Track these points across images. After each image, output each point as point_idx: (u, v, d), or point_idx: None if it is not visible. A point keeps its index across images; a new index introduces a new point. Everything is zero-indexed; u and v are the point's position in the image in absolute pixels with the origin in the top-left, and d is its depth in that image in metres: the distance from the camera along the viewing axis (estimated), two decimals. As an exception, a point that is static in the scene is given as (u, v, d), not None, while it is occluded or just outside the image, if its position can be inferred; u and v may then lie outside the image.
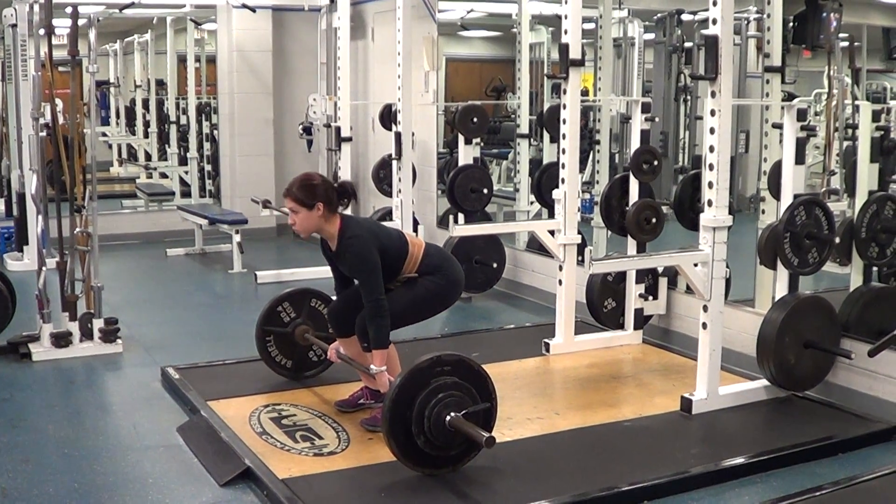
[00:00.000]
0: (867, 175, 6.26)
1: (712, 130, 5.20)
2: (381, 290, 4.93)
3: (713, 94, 5.17)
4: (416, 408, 4.39)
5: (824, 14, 6.94)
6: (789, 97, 6.92)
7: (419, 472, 4.53)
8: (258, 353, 5.90)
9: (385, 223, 7.53)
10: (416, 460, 4.50)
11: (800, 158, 5.54)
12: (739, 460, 4.80)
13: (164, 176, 13.69)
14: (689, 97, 9.89)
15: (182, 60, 13.00)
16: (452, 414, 4.40)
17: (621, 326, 6.87)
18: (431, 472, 4.54)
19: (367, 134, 11.18)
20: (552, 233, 6.60)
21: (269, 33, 11.67)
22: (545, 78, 10.42)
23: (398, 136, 8.53)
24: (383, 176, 9.75)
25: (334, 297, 5.48)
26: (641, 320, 6.84)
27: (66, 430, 5.32)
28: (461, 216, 8.30)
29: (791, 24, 7.08)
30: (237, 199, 11.51)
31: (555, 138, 8.34)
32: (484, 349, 6.51)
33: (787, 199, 5.54)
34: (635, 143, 6.66)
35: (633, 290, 6.75)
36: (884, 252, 6.13)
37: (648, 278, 6.83)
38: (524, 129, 9.76)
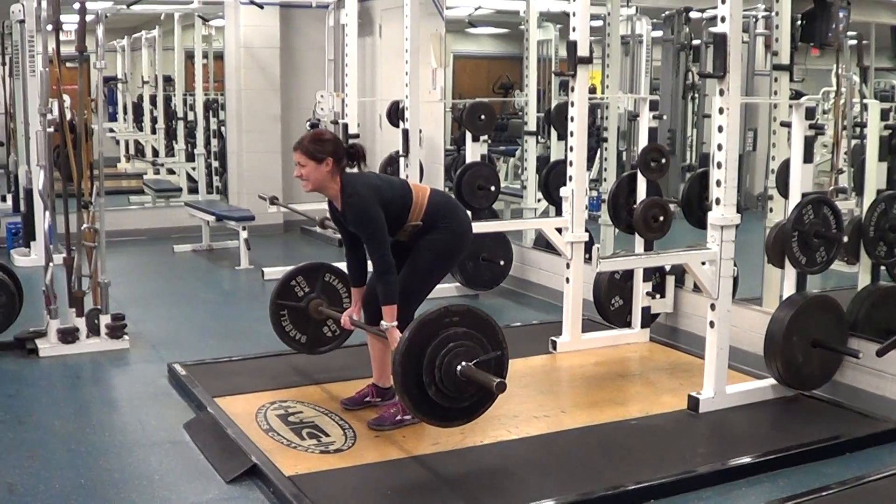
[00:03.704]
0: (875, 173, 6.26)
1: (720, 129, 5.19)
2: (387, 246, 4.90)
3: (721, 93, 5.15)
4: (426, 358, 4.39)
5: (832, 12, 6.93)
6: (797, 95, 6.91)
7: (433, 424, 4.58)
8: (272, 328, 5.87)
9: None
10: (428, 412, 4.50)
11: (808, 157, 5.53)
12: (746, 459, 4.79)
13: (171, 172, 13.71)
14: (696, 95, 9.89)
15: (190, 57, 13.02)
16: (463, 363, 4.40)
17: (628, 325, 6.86)
18: (444, 424, 4.59)
19: (374, 131, 11.18)
20: (560, 230, 6.60)
21: (277, 30, 11.69)
22: (553, 75, 10.44)
23: (405, 132, 8.52)
24: (390, 173, 9.74)
25: (346, 266, 5.43)
26: (649, 318, 6.83)
27: (72, 426, 5.32)
28: (468, 213, 8.30)
29: (799, 22, 7.07)
30: (244, 196, 11.53)
31: (562, 136, 8.31)
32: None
33: (795, 198, 5.52)
34: (643, 140, 6.65)
35: (641, 288, 6.74)
36: (892, 251, 6.12)
37: (656, 276, 6.82)
38: (532, 126, 9.76)
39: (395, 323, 4.90)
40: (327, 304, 5.84)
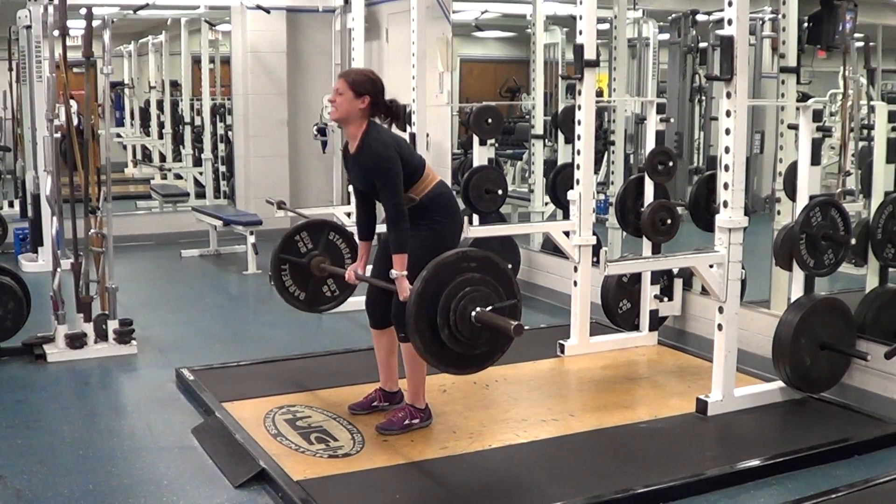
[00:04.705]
0: (883, 176, 6.24)
1: (728, 131, 5.19)
2: (401, 194, 4.86)
3: (728, 95, 5.15)
4: (441, 300, 4.38)
5: (839, 14, 6.92)
6: (804, 97, 6.90)
7: (443, 370, 4.56)
8: (273, 282, 5.85)
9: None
10: (439, 357, 4.48)
11: (815, 159, 5.52)
12: (755, 462, 4.78)
13: (178, 177, 13.74)
14: (703, 98, 9.86)
15: (196, 61, 13.05)
16: (478, 309, 4.39)
17: (636, 328, 6.85)
18: (455, 371, 4.59)
19: (381, 135, 11.15)
20: (567, 234, 6.59)
21: (284, 34, 11.69)
22: (560, 79, 10.42)
23: (412, 136, 8.52)
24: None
25: (355, 224, 5.39)
26: (656, 322, 6.82)
27: (80, 432, 5.33)
28: (476, 217, 8.29)
29: (806, 24, 7.06)
30: (252, 201, 11.52)
31: (569, 139, 8.31)
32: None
33: (802, 200, 5.52)
34: (650, 143, 6.65)
35: (649, 291, 6.73)
36: (900, 253, 6.11)
37: (664, 279, 6.81)
38: (539, 129, 9.75)
39: (405, 272, 4.80)
40: (329, 262, 5.81)
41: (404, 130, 8.77)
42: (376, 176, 4.88)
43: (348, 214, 8.35)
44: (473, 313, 4.39)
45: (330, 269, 5.77)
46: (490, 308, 4.42)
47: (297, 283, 5.85)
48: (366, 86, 4.95)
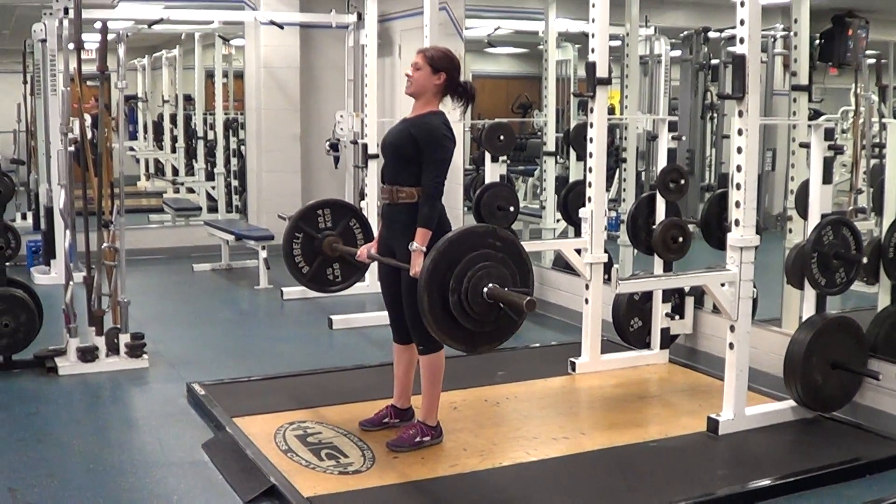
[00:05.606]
0: (895, 194, 6.23)
1: (739, 150, 5.18)
2: (445, 175, 4.90)
3: (740, 114, 5.15)
4: (459, 266, 4.36)
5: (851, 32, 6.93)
6: (816, 115, 6.90)
7: (439, 338, 4.52)
8: (282, 248, 5.86)
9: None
10: (441, 324, 4.43)
11: (827, 178, 5.51)
12: (766, 482, 4.76)
13: (190, 191, 13.78)
14: (715, 115, 9.86)
15: (210, 76, 13.10)
16: (491, 285, 4.38)
17: (647, 346, 6.84)
18: (450, 342, 4.52)
19: (393, 151, 11.15)
20: (579, 251, 6.58)
21: (297, 50, 11.72)
22: (572, 95, 10.43)
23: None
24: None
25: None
26: (668, 340, 6.81)
27: (91, 445, 5.34)
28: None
29: (818, 41, 7.06)
30: (264, 215, 11.53)
31: (581, 156, 8.31)
32: (509, 368, 6.50)
33: (814, 219, 5.51)
34: (662, 161, 6.65)
35: (660, 309, 6.72)
36: (912, 272, 6.10)
37: (675, 298, 6.80)
38: (551, 146, 9.76)
39: (425, 248, 4.77)
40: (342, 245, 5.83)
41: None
42: (429, 147, 4.89)
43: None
44: (486, 288, 4.37)
45: (342, 249, 5.77)
46: (504, 289, 4.41)
47: (304, 257, 5.85)
48: (444, 62, 4.99)
